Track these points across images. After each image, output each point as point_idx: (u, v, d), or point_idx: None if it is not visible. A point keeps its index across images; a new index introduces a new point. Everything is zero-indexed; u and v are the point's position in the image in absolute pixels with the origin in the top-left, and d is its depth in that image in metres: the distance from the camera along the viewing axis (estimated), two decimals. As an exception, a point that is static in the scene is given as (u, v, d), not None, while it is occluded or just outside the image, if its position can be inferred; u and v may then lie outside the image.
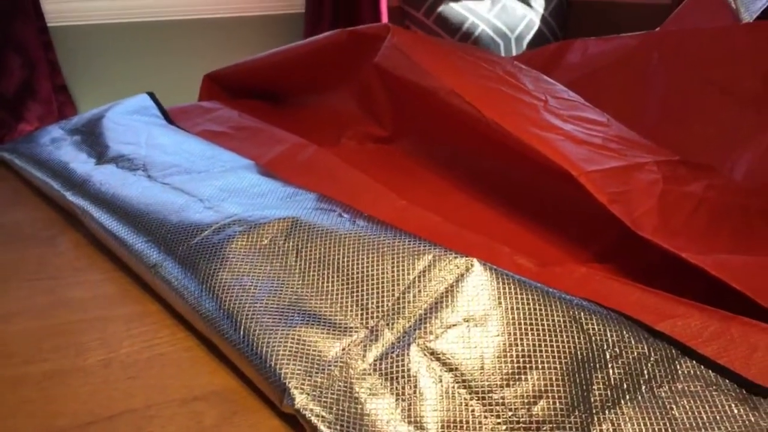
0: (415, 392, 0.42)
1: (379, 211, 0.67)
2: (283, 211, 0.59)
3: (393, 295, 0.48)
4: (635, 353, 0.44)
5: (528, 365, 0.43)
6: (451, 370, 0.43)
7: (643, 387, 0.43)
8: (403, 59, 0.81)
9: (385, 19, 1.64)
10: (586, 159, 0.60)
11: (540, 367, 0.43)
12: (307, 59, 0.96)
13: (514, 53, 1.75)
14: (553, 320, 0.45)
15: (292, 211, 0.58)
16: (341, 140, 0.90)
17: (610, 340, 0.45)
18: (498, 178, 0.74)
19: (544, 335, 0.45)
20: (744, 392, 0.42)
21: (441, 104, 0.74)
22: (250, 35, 1.67)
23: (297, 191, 0.64)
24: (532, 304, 0.46)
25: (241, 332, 0.47)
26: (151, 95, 0.94)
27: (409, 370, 0.44)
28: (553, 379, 0.43)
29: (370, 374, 0.44)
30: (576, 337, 0.45)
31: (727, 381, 0.43)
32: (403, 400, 0.42)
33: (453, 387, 0.43)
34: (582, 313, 0.46)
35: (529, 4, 1.79)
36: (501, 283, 0.47)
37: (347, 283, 0.50)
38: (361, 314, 0.48)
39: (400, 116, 0.88)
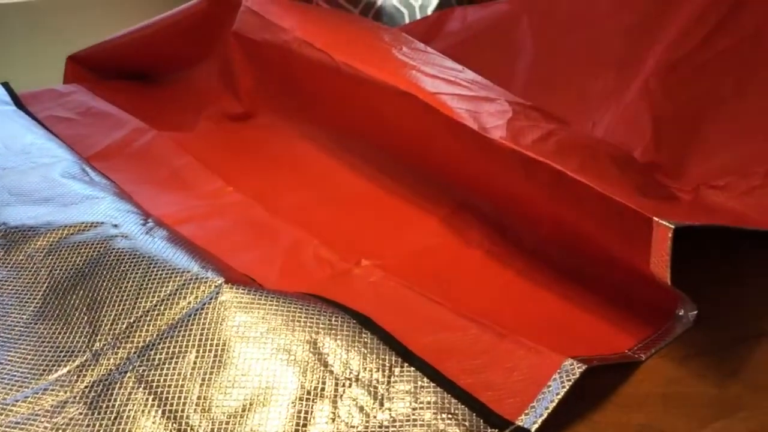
0: (114, 424, 0.38)
1: (195, 199, 0.64)
2: (61, 218, 0.54)
3: (129, 319, 0.44)
4: (373, 379, 0.40)
5: (254, 399, 0.39)
6: (163, 404, 0.39)
7: (381, 415, 0.38)
8: (257, 20, 0.77)
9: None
10: (433, 86, 0.59)
11: (266, 402, 0.39)
12: (170, 32, 0.90)
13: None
14: (288, 348, 0.41)
15: (69, 219, 0.53)
16: (200, 120, 0.84)
17: (350, 366, 0.40)
18: (346, 143, 0.72)
19: (276, 365, 0.40)
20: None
21: (295, 58, 0.72)
22: (124, 10, 1.56)
23: (92, 194, 0.59)
24: (270, 331, 0.42)
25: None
26: (5, 85, 0.88)
27: (115, 400, 0.39)
28: (278, 412, 0.38)
29: (75, 403, 0.40)
30: (307, 365, 0.40)
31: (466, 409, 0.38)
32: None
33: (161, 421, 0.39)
34: (324, 337, 0.41)
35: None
36: (244, 309, 0.43)
37: (89, 304, 0.46)
38: (90, 336, 0.44)
39: (259, 86, 0.82)
